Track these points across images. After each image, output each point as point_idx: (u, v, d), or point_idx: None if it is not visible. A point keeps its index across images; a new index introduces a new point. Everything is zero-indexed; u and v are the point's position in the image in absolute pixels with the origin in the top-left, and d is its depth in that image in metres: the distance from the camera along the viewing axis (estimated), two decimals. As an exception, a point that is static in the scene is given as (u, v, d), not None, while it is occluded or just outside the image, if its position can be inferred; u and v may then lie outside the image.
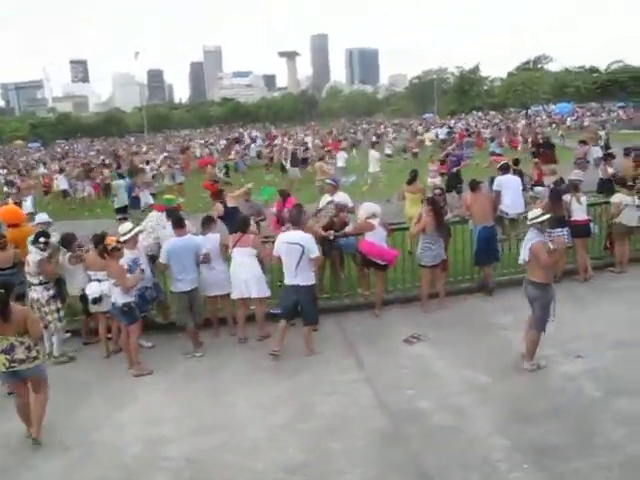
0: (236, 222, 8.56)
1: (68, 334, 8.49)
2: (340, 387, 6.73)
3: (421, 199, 10.52)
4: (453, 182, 16.10)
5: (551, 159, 18.49)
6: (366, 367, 7.21)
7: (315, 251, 7.44)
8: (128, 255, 7.54)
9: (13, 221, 9.77)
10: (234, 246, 8.14)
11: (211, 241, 8.27)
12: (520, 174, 12.14)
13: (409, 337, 7.95)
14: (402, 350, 7.64)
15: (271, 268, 8.82)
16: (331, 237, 8.99)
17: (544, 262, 6.62)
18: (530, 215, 7.05)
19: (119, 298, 7.34)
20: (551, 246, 6.83)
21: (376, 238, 8.60)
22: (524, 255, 6.94)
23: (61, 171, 26.59)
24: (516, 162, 13.58)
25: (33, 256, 7.74)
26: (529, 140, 27.05)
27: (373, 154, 21.13)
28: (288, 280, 7.52)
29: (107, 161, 33.30)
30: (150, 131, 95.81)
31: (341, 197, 9.93)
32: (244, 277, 8.02)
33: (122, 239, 7.55)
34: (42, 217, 9.34)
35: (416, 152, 29.94)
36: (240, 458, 5.52)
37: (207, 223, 8.48)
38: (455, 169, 16.68)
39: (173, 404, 6.65)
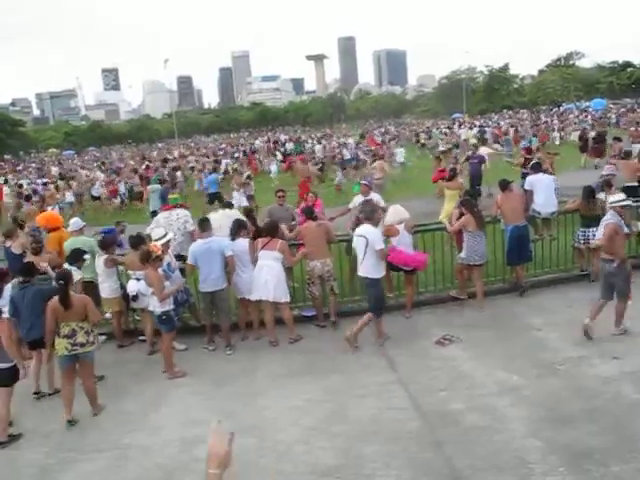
0: (266, 226, 8.67)
1: (104, 337, 8.65)
2: (373, 389, 6.72)
3: (459, 195, 11.21)
4: (473, 183, 15.79)
5: (600, 153, 18.19)
6: (398, 369, 7.19)
7: (380, 244, 7.74)
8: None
9: (52, 225, 10.18)
10: (261, 249, 8.28)
11: (240, 246, 8.37)
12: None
13: (441, 338, 7.91)
14: (434, 352, 7.61)
15: (298, 276, 8.90)
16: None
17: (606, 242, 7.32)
18: (611, 199, 7.66)
19: (157, 307, 7.48)
20: (625, 230, 7.58)
21: (401, 243, 8.62)
22: (599, 234, 7.55)
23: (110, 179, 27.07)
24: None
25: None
26: (563, 136, 26.81)
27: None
28: (358, 271, 7.94)
29: (136, 167, 33.89)
30: (180, 137, 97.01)
31: (375, 198, 9.97)
32: (265, 278, 8.17)
33: (158, 245, 7.70)
34: (76, 222, 9.56)
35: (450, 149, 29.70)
36: (272, 460, 5.54)
37: (237, 229, 8.56)
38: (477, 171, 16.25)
39: (206, 406, 6.73)
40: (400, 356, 7.54)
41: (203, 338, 8.60)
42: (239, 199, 15.68)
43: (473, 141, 32.78)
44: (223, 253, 8.10)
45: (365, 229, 7.85)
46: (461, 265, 9.13)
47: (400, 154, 27.34)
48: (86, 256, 8.03)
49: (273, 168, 28.27)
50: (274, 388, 7.00)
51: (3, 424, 6.33)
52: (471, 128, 44.55)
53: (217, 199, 17.56)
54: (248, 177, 19.92)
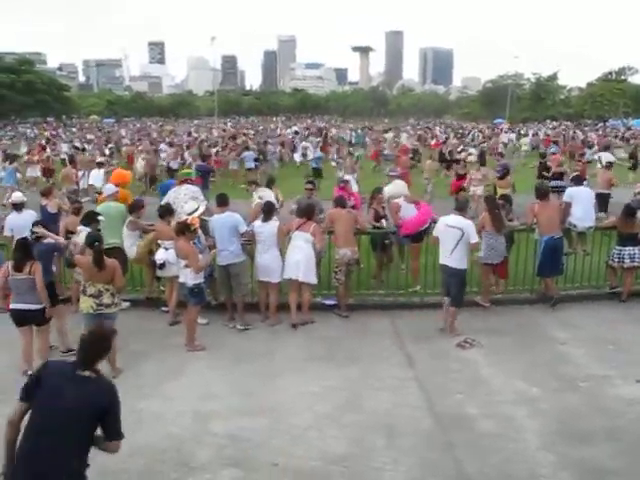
0: (303, 208, 8.77)
1: (127, 303, 8.78)
2: (389, 383, 6.72)
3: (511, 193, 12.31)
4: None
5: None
6: (417, 367, 7.18)
7: (475, 237, 8.00)
8: None
9: (121, 181, 11.36)
10: (296, 229, 8.39)
11: (269, 228, 8.43)
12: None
13: (462, 341, 7.87)
14: (454, 354, 7.57)
15: (325, 264, 9.03)
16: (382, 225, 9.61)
17: None
18: None
19: (190, 279, 7.57)
20: None
21: (407, 214, 9.20)
22: None
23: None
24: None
25: (81, 237, 7.79)
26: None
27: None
28: (441, 259, 8.10)
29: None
30: (220, 116, 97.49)
31: (387, 190, 10.16)
32: (296, 258, 8.31)
33: (192, 217, 7.80)
34: (110, 187, 9.77)
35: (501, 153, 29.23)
36: (282, 442, 5.58)
37: (267, 211, 8.59)
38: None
39: (223, 382, 6.79)
40: (419, 354, 7.52)
41: (224, 315, 8.68)
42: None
43: (525, 148, 32.42)
44: (237, 228, 8.26)
45: (459, 220, 8.01)
46: (484, 267, 9.09)
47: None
48: (100, 217, 8.04)
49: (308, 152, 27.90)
50: (292, 371, 7.04)
51: (45, 353, 7.00)
52: (520, 133, 44.16)
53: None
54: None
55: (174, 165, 22.23)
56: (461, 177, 16.94)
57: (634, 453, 5.36)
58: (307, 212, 8.60)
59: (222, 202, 8.56)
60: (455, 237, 7.89)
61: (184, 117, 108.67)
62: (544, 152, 21.56)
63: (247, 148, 25.70)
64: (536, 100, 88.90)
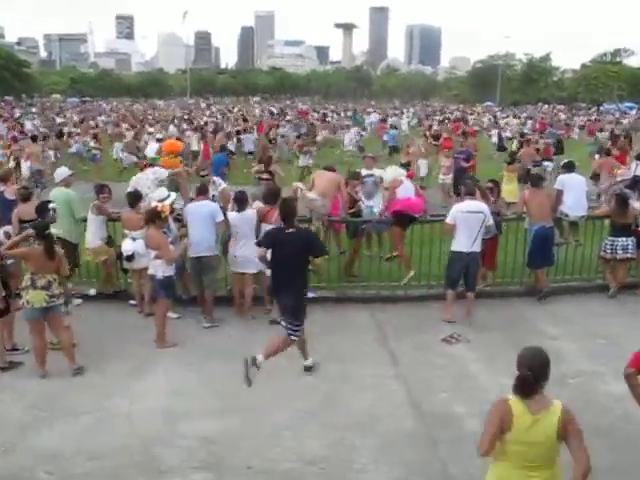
0: (266, 193, 8.70)
1: (79, 300, 8.72)
2: (371, 381, 6.76)
3: (517, 177, 14.46)
4: (458, 182, 15.68)
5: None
6: (400, 363, 7.23)
7: (491, 219, 8.40)
8: None
9: (173, 150, 11.65)
10: (261, 221, 8.37)
11: (246, 219, 8.40)
12: None
13: (448, 336, 7.93)
14: (439, 349, 7.64)
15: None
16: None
17: None
18: None
19: (160, 271, 7.53)
20: None
21: (405, 192, 9.43)
22: None
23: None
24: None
25: None
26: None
27: None
28: (462, 247, 8.28)
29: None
30: (193, 95, 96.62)
31: (379, 172, 10.26)
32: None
33: (162, 204, 7.74)
34: (61, 172, 9.39)
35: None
36: (257, 443, 5.59)
37: (240, 200, 8.56)
38: (462, 167, 16.04)
39: (195, 380, 6.78)
40: (403, 350, 7.57)
41: (197, 308, 8.63)
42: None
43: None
44: (213, 217, 8.21)
45: (478, 205, 8.38)
46: None
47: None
48: (52, 205, 7.65)
49: (349, 137, 27.44)
50: (266, 370, 7.01)
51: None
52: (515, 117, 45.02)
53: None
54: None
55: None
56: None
57: (623, 450, 5.47)
58: (271, 198, 8.43)
59: (201, 191, 8.54)
60: (479, 222, 8.23)
61: (155, 97, 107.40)
62: (522, 132, 22.20)
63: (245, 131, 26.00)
64: (527, 82, 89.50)
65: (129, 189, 9.35)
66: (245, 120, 31.41)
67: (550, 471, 3.69)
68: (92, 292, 9.06)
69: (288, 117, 41.83)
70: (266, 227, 8.19)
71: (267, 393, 6.47)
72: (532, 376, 3.68)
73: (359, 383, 6.72)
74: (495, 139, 28.61)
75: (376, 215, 9.64)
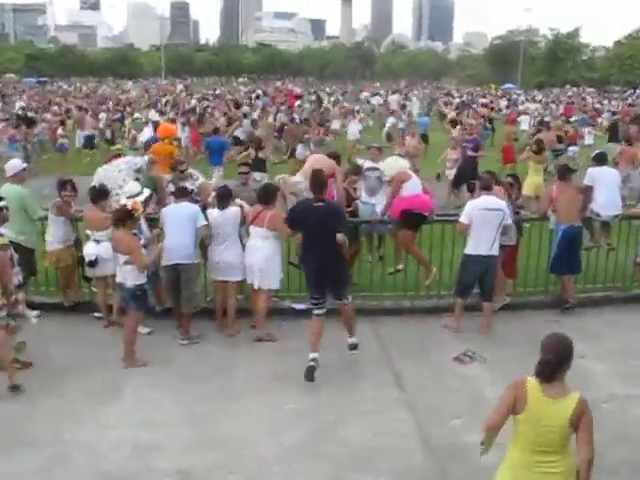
0: (261, 191, 8.65)
1: (35, 312, 7.90)
2: (372, 407, 6.76)
3: (544, 168, 14.89)
4: (465, 174, 15.51)
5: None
6: (406, 386, 7.24)
7: (509, 218, 8.53)
8: None
9: (168, 134, 13.60)
10: (251, 222, 8.37)
11: (229, 217, 8.40)
12: None
13: (461, 354, 7.95)
14: (451, 369, 7.65)
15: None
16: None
17: None
18: None
19: (130, 279, 7.50)
20: None
21: (414, 188, 9.43)
22: None
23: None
24: None
25: None
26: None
27: None
28: (479, 250, 8.39)
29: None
30: (168, 75, 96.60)
31: (384, 166, 10.22)
32: (250, 261, 8.32)
33: (134, 202, 7.75)
34: (13, 165, 9.14)
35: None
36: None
37: (221, 196, 8.56)
38: (469, 157, 16.21)
39: (169, 405, 6.76)
40: (409, 370, 7.58)
41: (173, 322, 8.61)
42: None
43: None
44: (195, 221, 8.17)
45: (496, 201, 8.45)
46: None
47: None
48: (1, 203, 7.48)
49: (354, 128, 26.50)
50: (253, 393, 7.04)
51: None
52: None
53: None
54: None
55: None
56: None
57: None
58: (264, 196, 8.41)
59: (181, 194, 8.50)
60: (498, 220, 8.33)
61: (124, 76, 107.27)
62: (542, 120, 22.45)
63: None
64: (553, 61, 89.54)
65: (93, 183, 9.28)
66: (238, 105, 31.39)
67: (563, 459, 4.09)
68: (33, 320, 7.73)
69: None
70: (255, 230, 8.25)
71: (253, 421, 6.46)
72: (554, 361, 4.17)
73: (358, 410, 6.71)
74: (525, 126, 28.61)
75: (377, 214, 9.67)
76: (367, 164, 10.49)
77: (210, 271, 8.69)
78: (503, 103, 46.09)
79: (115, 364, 7.57)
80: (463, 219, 8.48)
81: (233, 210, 8.44)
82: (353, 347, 7.77)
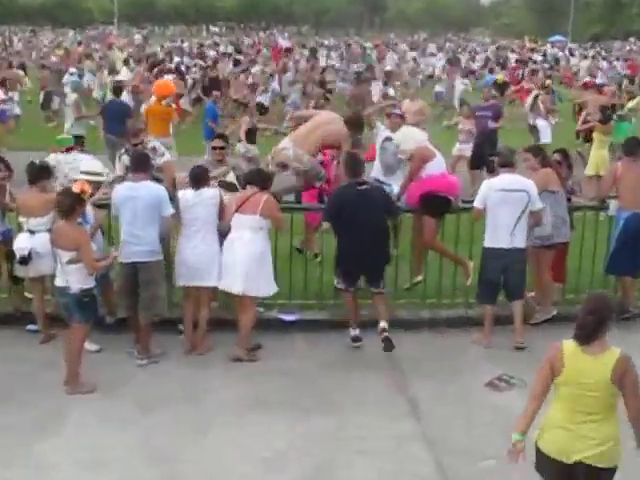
0: (251, 173, 8.76)
1: None
2: (380, 444, 6.76)
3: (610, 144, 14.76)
4: (483, 151, 15.46)
5: None
6: (424, 416, 7.26)
7: (539, 201, 8.58)
8: None
9: (166, 92, 15.17)
10: (237, 209, 8.28)
11: (205, 201, 8.38)
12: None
13: (495, 379, 7.98)
14: (482, 397, 7.67)
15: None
16: None
17: None
18: None
19: (75, 282, 7.48)
20: None
21: (437, 168, 9.49)
22: None
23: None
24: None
25: None
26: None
27: None
28: (498, 242, 8.56)
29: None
30: (122, 23, 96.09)
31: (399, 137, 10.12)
32: (235, 259, 8.23)
33: (81, 182, 7.74)
34: None
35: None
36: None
37: (196, 178, 8.55)
38: (488, 129, 16.01)
39: (123, 441, 6.74)
40: (428, 398, 7.60)
41: (129, 336, 8.59)
42: None
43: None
44: (159, 208, 8.17)
45: (518, 180, 8.60)
46: (542, 252, 9.17)
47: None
48: None
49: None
50: (228, 425, 7.05)
51: None
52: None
53: None
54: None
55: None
56: None
57: None
58: (259, 179, 8.48)
59: (140, 165, 8.43)
60: (520, 204, 8.44)
61: (66, 24, 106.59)
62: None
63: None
64: (613, 7, 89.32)
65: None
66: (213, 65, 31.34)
67: (605, 423, 4.72)
68: None
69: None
70: (243, 219, 8.23)
71: (228, 460, 6.47)
72: (594, 321, 4.66)
73: (364, 446, 6.71)
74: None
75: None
76: (384, 133, 10.49)
77: (176, 273, 8.63)
78: (539, 58, 46.22)
79: (56, 389, 7.55)
80: (477, 202, 8.67)
81: (211, 192, 8.44)
82: (383, 331, 8.25)
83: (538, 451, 4.97)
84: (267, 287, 8.44)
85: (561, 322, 9.05)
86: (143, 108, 17.52)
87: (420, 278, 9.75)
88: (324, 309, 9.44)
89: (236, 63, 33.83)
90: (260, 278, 8.28)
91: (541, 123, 17.75)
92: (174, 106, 17.24)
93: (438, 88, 28.40)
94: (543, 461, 4.93)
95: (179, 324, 8.77)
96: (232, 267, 8.22)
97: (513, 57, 46.26)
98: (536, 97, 19.42)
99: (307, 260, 10.22)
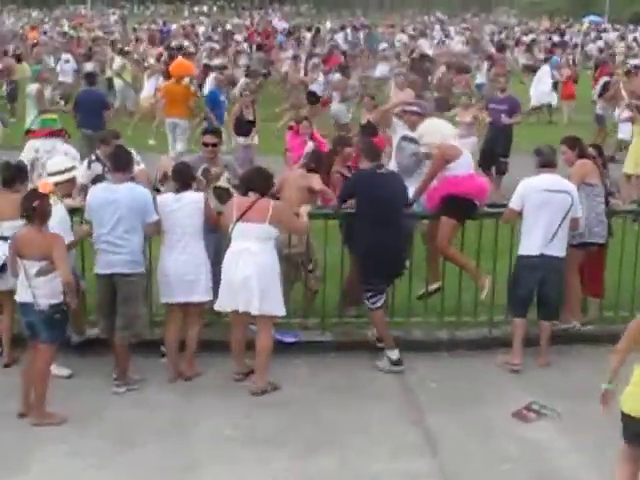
0: (247, 176, 8.73)
1: None
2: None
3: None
4: (495, 149, 15.77)
5: None
6: (441, 452, 7.23)
7: (580, 209, 8.74)
8: None
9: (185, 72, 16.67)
10: (240, 218, 8.20)
11: (188, 205, 8.35)
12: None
13: (524, 409, 7.93)
14: (509, 429, 7.63)
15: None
16: None
17: None
18: None
19: (42, 297, 7.43)
20: None
21: (466, 168, 9.48)
22: None
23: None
24: None
25: None
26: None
27: None
28: (535, 249, 8.61)
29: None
30: (97, 2, 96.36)
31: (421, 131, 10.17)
32: (244, 274, 8.08)
33: (50, 182, 7.84)
34: None
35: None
36: None
37: (180, 175, 8.54)
38: (501, 125, 16.04)
39: (98, 480, 6.73)
40: (447, 430, 7.57)
41: (104, 358, 8.58)
42: None
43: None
44: (142, 213, 8.19)
45: (560, 181, 8.72)
46: (574, 256, 9.11)
47: None
48: None
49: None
50: (220, 462, 7.02)
51: None
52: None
53: None
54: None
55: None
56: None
57: None
58: (257, 182, 8.42)
59: (119, 163, 8.46)
60: (563, 207, 8.54)
61: (32, 4, 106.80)
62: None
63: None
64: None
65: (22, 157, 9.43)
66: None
67: None
68: None
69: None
70: (249, 229, 8.14)
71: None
72: None
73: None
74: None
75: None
76: (401, 131, 10.59)
77: (160, 289, 8.58)
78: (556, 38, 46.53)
79: (20, 420, 7.54)
80: (514, 204, 8.74)
81: (195, 196, 8.41)
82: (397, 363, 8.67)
83: (623, 416, 5.75)
84: (278, 305, 8.35)
85: (598, 342, 9.12)
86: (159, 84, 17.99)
87: (438, 285, 9.65)
88: (330, 330, 9.40)
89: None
90: (276, 294, 8.28)
91: (622, 115, 17.71)
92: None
93: (480, 79, 28.05)
94: (630, 424, 5.70)
95: (162, 345, 8.72)
96: (242, 284, 8.10)
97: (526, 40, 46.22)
98: (606, 84, 19.60)
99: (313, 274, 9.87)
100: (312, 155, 10.02)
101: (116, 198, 8.11)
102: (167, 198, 8.44)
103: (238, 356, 8.54)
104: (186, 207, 8.33)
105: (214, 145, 9.67)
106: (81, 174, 9.39)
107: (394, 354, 8.64)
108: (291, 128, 13.74)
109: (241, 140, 15.59)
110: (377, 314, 8.70)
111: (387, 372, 8.66)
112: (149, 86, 23.23)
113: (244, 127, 15.65)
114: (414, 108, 11.12)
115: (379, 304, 8.60)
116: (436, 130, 9.77)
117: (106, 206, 8.12)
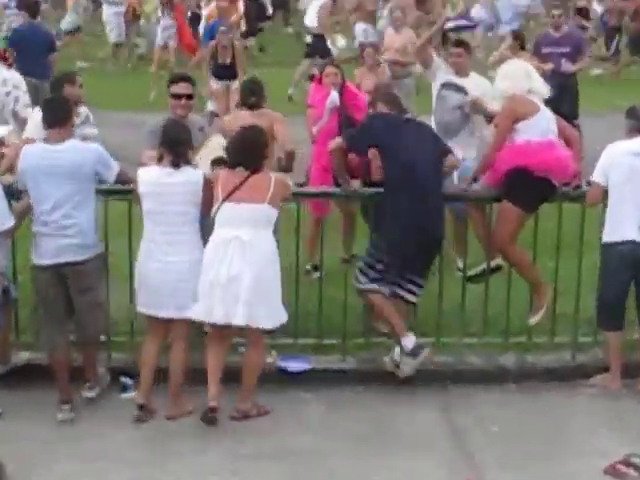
0: (235, 143, 8.28)
1: None
2: None
3: None
4: (559, 109, 15.14)
5: None
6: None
7: None
8: None
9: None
10: (227, 197, 7.75)
11: (180, 185, 7.93)
12: None
13: (620, 462, 7.34)
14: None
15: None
16: None
17: None
18: None
19: None
20: None
21: (543, 130, 8.82)
22: None
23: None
24: None
25: None
26: None
27: None
28: (624, 234, 8.38)
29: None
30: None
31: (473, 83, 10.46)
32: (230, 272, 7.80)
33: None
34: None
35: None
36: None
37: (171, 143, 8.04)
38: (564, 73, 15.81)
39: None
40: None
41: (36, 393, 8.42)
42: None
43: None
44: (93, 176, 7.98)
45: None
46: None
47: None
48: None
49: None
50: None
51: None
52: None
53: None
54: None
55: None
56: None
57: None
58: (248, 152, 8.07)
59: (55, 115, 8.08)
60: None
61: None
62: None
63: None
64: None
65: None
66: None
67: None
68: None
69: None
70: (240, 211, 7.85)
71: None
72: None
73: None
74: None
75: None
76: (444, 75, 10.46)
77: (137, 296, 8.32)
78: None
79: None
80: (597, 176, 8.53)
81: (194, 174, 7.95)
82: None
83: None
84: (278, 313, 8.01)
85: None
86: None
87: (499, 262, 9.35)
88: (349, 353, 8.89)
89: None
90: (271, 299, 7.91)
91: None
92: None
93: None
94: None
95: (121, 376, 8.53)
96: (225, 285, 7.75)
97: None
98: None
99: (321, 278, 9.64)
100: (337, 113, 9.75)
101: (56, 162, 7.83)
102: (151, 172, 8.02)
103: (213, 385, 8.06)
104: (181, 187, 7.92)
105: (188, 97, 9.23)
106: (30, 128, 9.25)
107: (409, 341, 8.24)
108: (313, 78, 13.50)
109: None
110: (385, 301, 8.35)
111: (398, 368, 8.26)
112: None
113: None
114: (458, 48, 10.90)
115: (377, 286, 8.32)
116: (504, 79, 9.19)
117: (45, 175, 7.79)
